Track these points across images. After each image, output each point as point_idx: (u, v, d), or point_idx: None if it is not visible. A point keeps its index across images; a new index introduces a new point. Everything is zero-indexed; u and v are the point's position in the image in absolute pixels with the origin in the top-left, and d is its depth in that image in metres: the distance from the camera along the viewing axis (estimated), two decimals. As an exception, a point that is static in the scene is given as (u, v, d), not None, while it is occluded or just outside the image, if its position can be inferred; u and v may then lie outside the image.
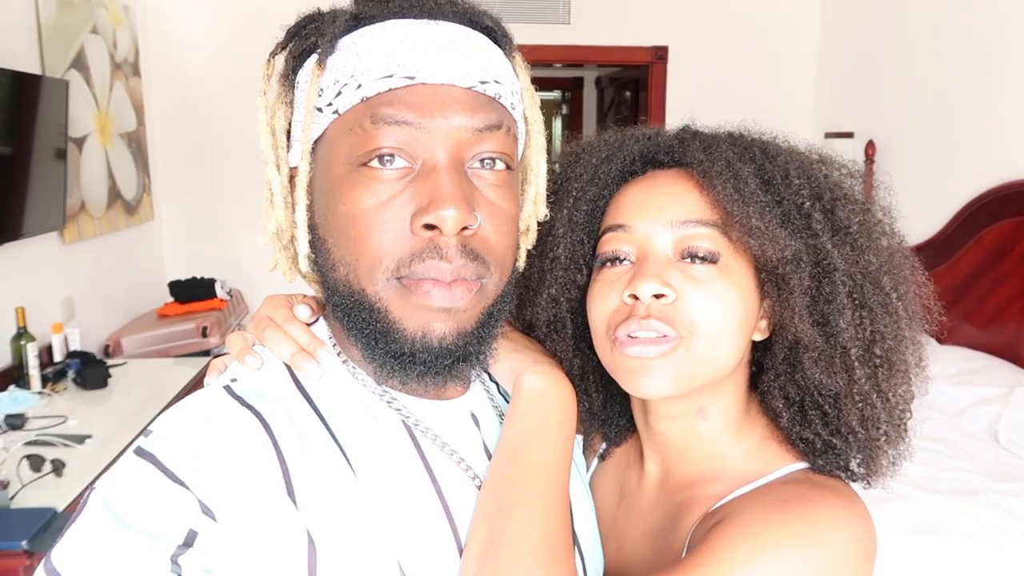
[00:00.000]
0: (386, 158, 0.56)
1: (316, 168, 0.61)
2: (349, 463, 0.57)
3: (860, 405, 0.64)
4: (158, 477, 0.50)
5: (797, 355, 0.66)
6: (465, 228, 0.56)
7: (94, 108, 2.98)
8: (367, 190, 0.56)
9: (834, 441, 0.66)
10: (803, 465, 0.68)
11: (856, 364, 0.63)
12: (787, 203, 0.65)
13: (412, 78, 0.56)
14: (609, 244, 0.69)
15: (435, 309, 0.56)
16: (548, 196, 0.72)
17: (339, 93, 0.58)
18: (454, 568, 0.58)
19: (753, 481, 0.67)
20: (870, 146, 3.26)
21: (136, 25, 3.41)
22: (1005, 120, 2.71)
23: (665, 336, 0.63)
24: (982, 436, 2.33)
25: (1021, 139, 2.65)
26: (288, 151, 0.64)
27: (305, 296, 0.69)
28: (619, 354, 0.65)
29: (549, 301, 0.74)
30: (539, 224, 0.72)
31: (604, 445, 0.83)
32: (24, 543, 1.50)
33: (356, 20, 0.59)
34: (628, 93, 4.74)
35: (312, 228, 0.62)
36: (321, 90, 0.59)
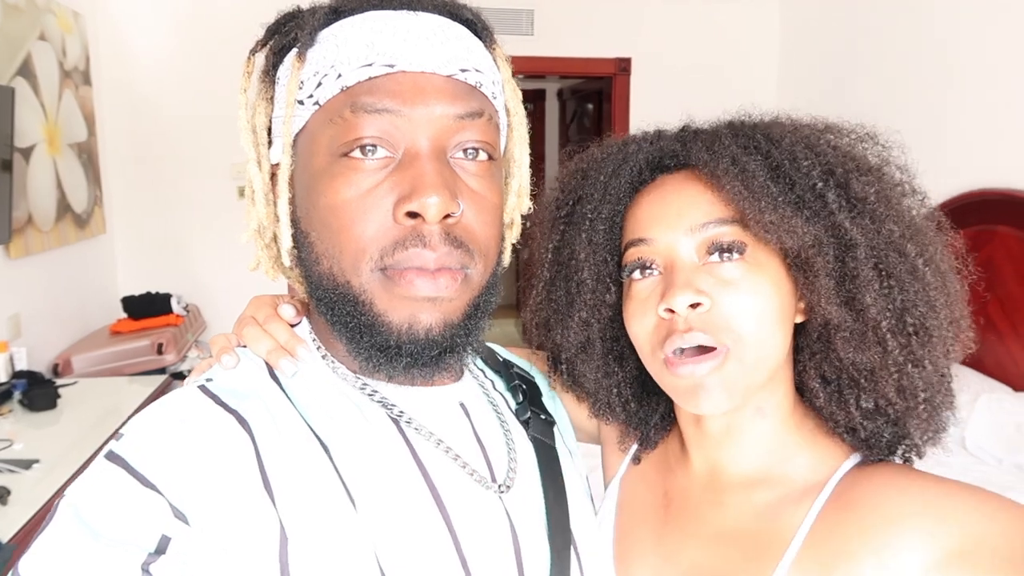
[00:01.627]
0: (368, 148, 0.56)
1: (298, 161, 0.60)
2: (331, 458, 0.56)
3: (896, 376, 0.63)
4: (128, 481, 0.49)
5: (829, 336, 0.65)
6: (448, 216, 0.56)
7: (42, 117, 2.86)
8: (348, 180, 0.56)
9: (866, 422, 0.65)
10: (856, 458, 0.67)
11: (888, 336, 0.62)
12: (799, 187, 0.63)
13: (392, 66, 0.56)
14: (632, 256, 0.68)
15: (420, 299, 0.56)
16: (561, 217, 0.73)
17: (319, 84, 0.57)
18: (450, 557, 0.57)
19: (827, 481, 0.65)
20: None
21: (87, 33, 3.30)
22: (966, 130, 2.77)
23: (712, 349, 0.62)
24: (949, 443, 2.34)
25: (982, 149, 2.71)
26: (269, 148, 0.63)
27: (291, 297, 0.68)
28: (671, 375, 0.64)
29: (581, 324, 0.73)
30: (558, 248, 0.73)
31: (635, 447, 0.80)
32: (-34, 578, 1.40)
33: (335, 13, 0.59)
34: (591, 105, 4.75)
35: (294, 222, 0.61)
36: (302, 83, 0.58)
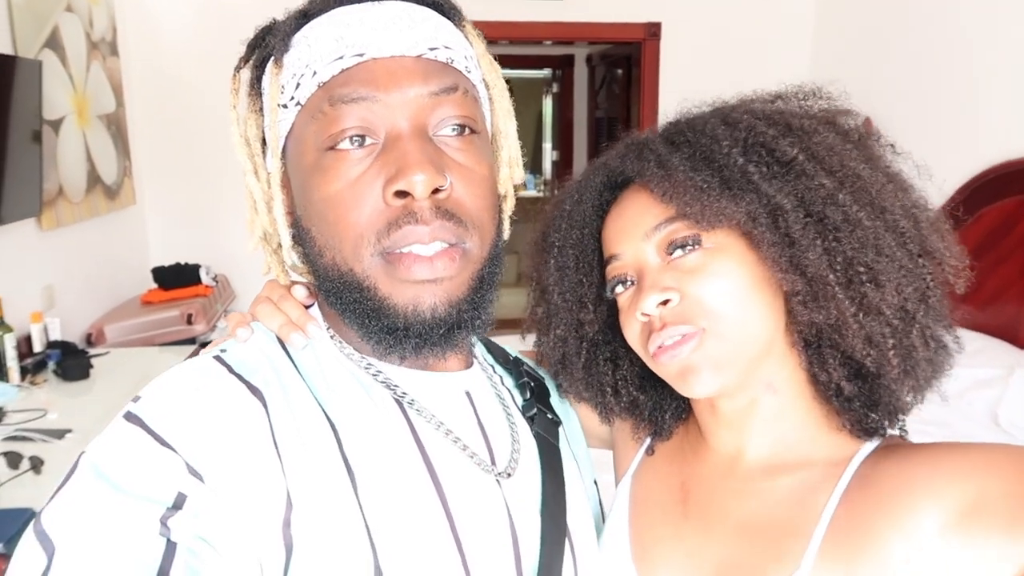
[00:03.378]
0: (354, 138, 0.57)
1: (290, 163, 0.63)
2: (335, 433, 0.58)
3: (856, 328, 0.63)
4: (146, 440, 0.51)
5: (789, 303, 0.66)
6: (437, 191, 0.57)
7: (70, 89, 2.88)
8: (337, 172, 0.58)
9: (847, 383, 0.66)
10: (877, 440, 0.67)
11: (838, 290, 0.63)
12: (726, 168, 0.65)
13: (362, 55, 0.58)
14: (610, 274, 0.72)
15: (421, 281, 0.57)
16: (539, 248, 0.78)
17: (298, 85, 0.60)
18: (444, 536, 0.58)
19: (849, 462, 0.66)
20: (867, 123, 3.20)
21: (113, 3, 3.30)
22: (1006, 98, 2.66)
23: (688, 334, 0.65)
24: (982, 419, 2.29)
25: (1022, 117, 2.60)
26: (265, 157, 0.65)
27: (306, 282, 0.71)
28: (660, 364, 0.67)
29: (557, 341, 0.78)
30: (535, 271, 0.78)
31: (649, 439, 0.80)
32: (0, 546, 1.45)
33: (305, 16, 0.61)
34: (620, 71, 4.66)
35: (296, 221, 0.64)
36: (282, 87, 0.61)
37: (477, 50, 0.67)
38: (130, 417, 0.54)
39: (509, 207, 0.72)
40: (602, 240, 0.73)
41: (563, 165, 6.07)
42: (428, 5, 0.63)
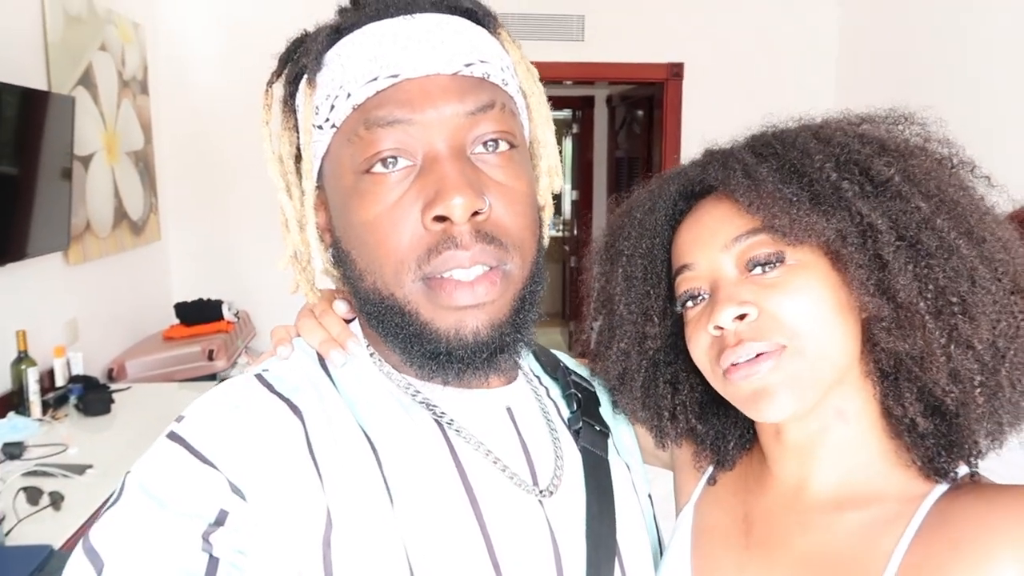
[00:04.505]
0: (388, 160, 0.56)
1: (328, 184, 0.62)
2: (375, 452, 0.58)
3: (943, 360, 0.60)
4: (189, 459, 0.52)
5: (871, 328, 0.63)
6: (476, 213, 0.56)
7: (101, 126, 2.92)
8: (375, 196, 0.57)
9: (922, 419, 0.62)
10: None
11: (928, 319, 0.60)
12: (817, 183, 0.63)
13: (396, 76, 0.56)
14: (682, 286, 0.69)
15: (463, 307, 0.56)
16: (604, 258, 0.76)
17: (333, 107, 0.58)
18: (481, 559, 0.57)
19: (923, 501, 0.62)
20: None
21: (146, 42, 3.36)
22: (1038, 136, 2.63)
23: (767, 353, 0.62)
24: (1010, 441, 2.22)
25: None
26: (299, 175, 0.64)
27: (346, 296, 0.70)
28: (732, 384, 0.64)
29: (619, 354, 0.75)
30: (600, 282, 0.76)
31: (711, 468, 0.77)
32: (20, 583, 1.41)
33: (337, 32, 0.60)
34: (641, 112, 4.68)
35: (335, 242, 0.63)
36: (316, 108, 0.60)
37: (514, 57, 0.65)
38: (173, 437, 0.54)
39: (548, 215, 0.71)
40: (673, 250, 0.71)
41: (583, 205, 6.08)
42: (461, 13, 0.61)
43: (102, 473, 1.92)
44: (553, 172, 0.69)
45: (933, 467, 0.63)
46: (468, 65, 0.58)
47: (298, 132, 0.63)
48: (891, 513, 0.62)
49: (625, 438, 0.80)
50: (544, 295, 0.63)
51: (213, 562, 0.49)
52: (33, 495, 1.74)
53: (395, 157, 0.56)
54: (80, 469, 1.92)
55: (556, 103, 6.19)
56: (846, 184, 0.62)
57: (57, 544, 1.56)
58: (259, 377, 0.60)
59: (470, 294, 0.56)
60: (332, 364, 0.63)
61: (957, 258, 0.60)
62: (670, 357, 0.75)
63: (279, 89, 0.64)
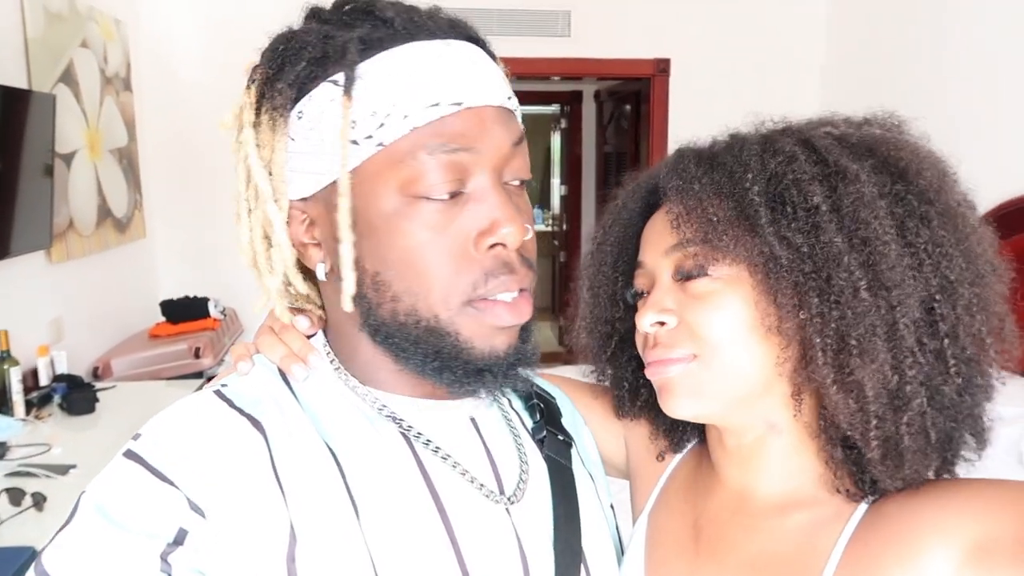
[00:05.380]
0: (446, 188, 0.57)
1: (357, 203, 0.58)
2: (339, 465, 0.58)
3: (836, 398, 0.60)
4: (146, 477, 0.52)
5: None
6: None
7: (83, 123, 2.90)
8: (426, 222, 0.56)
9: (833, 449, 0.64)
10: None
11: (819, 356, 0.60)
12: (741, 204, 0.62)
13: (459, 103, 0.57)
14: (635, 281, 0.72)
15: (505, 327, 0.59)
16: (591, 239, 0.79)
17: (382, 124, 0.56)
18: (450, 567, 0.58)
19: (861, 502, 0.63)
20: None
21: (128, 39, 3.34)
22: (1020, 130, 2.65)
23: (677, 359, 0.65)
24: (1004, 458, 2.24)
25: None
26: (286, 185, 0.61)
27: (307, 310, 0.69)
28: (650, 376, 0.68)
29: (589, 325, 0.79)
30: (584, 264, 0.79)
31: (667, 471, 0.79)
32: (3, 584, 1.41)
33: (365, 44, 0.57)
34: (628, 107, 4.69)
35: (357, 264, 0.59)
36: (353, 122, 0.56)
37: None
38: (130, 455, 0.54)
39: None
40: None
41: (572, 200, 6.08)
42: (475, 43, 0.61)
43: (86, 473, 1.91)
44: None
45: (858, 491, 0.63)
46: (509, 98, 0.61)
47: (290, 139, 0.59)
48: (830, 514, 0.64)
49: (588, 448, 0.81)
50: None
51: None
52: (15, 496, 1.73)
53: (453, 189, 0.57)
54: (63, 469, 1.91)
55: (544, 98, 6.21)
56: (763, 210, 0.61)
57: (39, 546, 1.55)
58: (218, 393, 0.60)
59: (516, 314, 0.59)
60: (294, 379, 0.62)
61: (857, 301, 0.58)
62: (628, 338, 0.77)
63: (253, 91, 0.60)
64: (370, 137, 0.56)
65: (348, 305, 0.59)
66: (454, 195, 0.57)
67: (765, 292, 0.62)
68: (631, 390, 0.79)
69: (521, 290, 0.60)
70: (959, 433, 0.62)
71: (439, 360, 0.59)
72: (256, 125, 0.60)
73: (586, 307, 0.79)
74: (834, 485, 0.65)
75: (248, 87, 0.61)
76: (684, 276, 0.66)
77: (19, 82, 2.45)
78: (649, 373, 0.67)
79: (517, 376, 0.63)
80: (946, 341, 0.60)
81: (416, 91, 0.56)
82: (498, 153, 0.58)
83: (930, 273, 0.60)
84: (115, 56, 3.20)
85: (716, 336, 0.63)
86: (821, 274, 0.59)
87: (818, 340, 0.59)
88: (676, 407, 0.65)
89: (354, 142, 0.57)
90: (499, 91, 0.60)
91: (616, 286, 0.76)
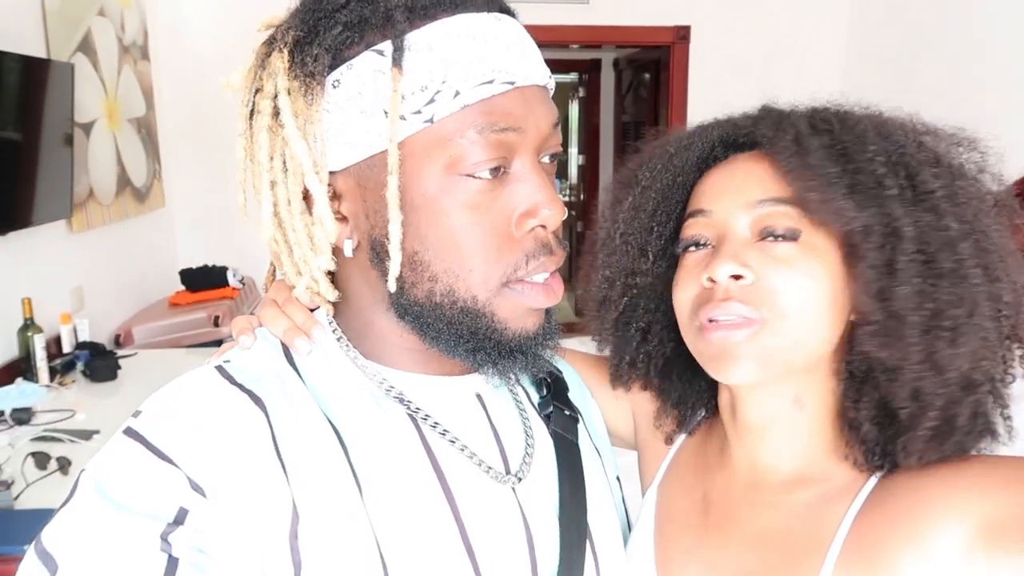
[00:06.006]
0: (494, 169, 0.56)
1: (402, 180, 0.56)
2: (342, 442, 0.57)
3: (913, 378, 0.61)
4: (146, 456, 0.51)
5: (858, 331, 0.63)
6: None
7: (102, 93, 2.91)
8: (468, 200, 0.56)
9: (870, 425, 0.63)
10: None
11: (913, 334, 0.60)
12: (861, 172, 0.62)
13: (512, 83, 0.56)
14: (690, 229, 0.68)
15: (539, 308, 0.59)
16: (623, 186, 0.76)
17: (432, 100, 0.54)
18: (455, 545, 0.57)
19: (868, 478, 0.64)
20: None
21: (145, 7, 3.33)
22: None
23: (748, 319, 0.61)
24: (1019, 434, 2.22)
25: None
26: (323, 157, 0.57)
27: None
28: (703, 340, 0.64)
29: (603, 281, 0.76)
30: (608, 214, 0.77)
31: (676, 444, 0.78)
32: (27, 547, 1.44)
33: (411, 12, 0.55)
34: (647, 75, 4.63)
35: (377, 238, 0.57)
36: (403, 96, 0.54)
37: None
38: (130, 432, 0.53)
39: None
40: (693, 193, 0.70)
41: (590, 169, 6.04)
42: (509, 14, 0.61)
43: (108, 438, 1.95)
44: None
45: (867, 464, 0.64)
46: (550, 77, 0.61)
47: (324, 109, 0.56)
48: (837, 491, 0.64)
49: (595, 421, 0.81)
50: None
51: (172, 562, 0.48)
52: (41, 460, 1.77)
53: (500, 167, 0.56)
54: (87, 434, 1.95)
55: (563, 66, 6.14)
56: (889, 182, 0.61)
57: (65, 508, 1.59)
58: (219, 369, 0.59)
59: (552, 296, 0.59)
60: (297, 353, 0.61)
61: (966, 286, 0.60)
62: (650, 305, 0.75)
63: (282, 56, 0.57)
64: (418, 112, 0.54)
65: (393, 285, 0.57)
66: (496, 174, 0.56)
67: (863, 265, 0.61)
68: (631, 362, 0.77)
69: (555, 274, 0.60)
70: (1003, 426, 0.63)
71: (473, 341, 0.58)
72: (289, 91, 0.56)
73: (609, 257, 0.75)
74: (849, 458, 0.65)
75: (280, 49, 0.57)
76: (769, 235, 0.63)
77: (38, 51, 2.46)
78: (708, 335, 0.63)
79: (545, 356, 0.63)
80: (1008, 339, 0.63)
81: (469, 67, 0.54)
82: (540, 134, 0.58)
83: (1016, 273, 0.63)
84: (132, 24, 3.19)
85: (796, 303, 0.61)
86: (935, 253, 0.60)
87: (914, 318, 0.60)
88: (737, 373, 0.62)
89: (401, 117, 0.54)
90: (544, 70, 0.59)
91: (650, 236, 0.73)
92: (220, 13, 3.53)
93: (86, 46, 2.77)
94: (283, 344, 0.62)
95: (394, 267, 0.56)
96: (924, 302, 0.60)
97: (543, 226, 0.58)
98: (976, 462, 0.59)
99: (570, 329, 0.82)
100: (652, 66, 4.45)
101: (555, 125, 0.59)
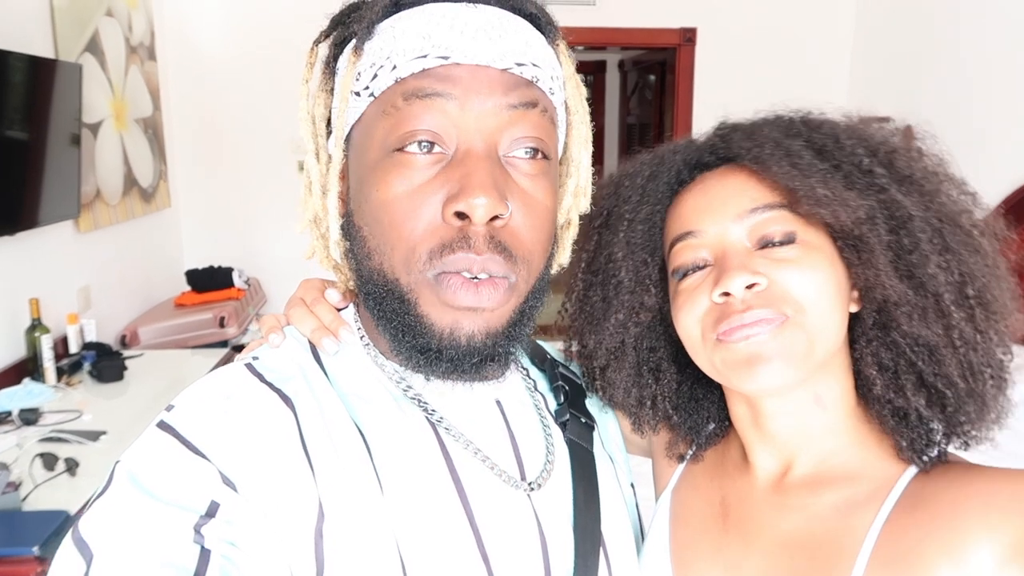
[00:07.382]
0: (423, 143, 0.55)
1: (352, 154, 0.61)
2: (366, 443, 0.58)
3: (962, 351, 0.61)
4: (180, 450, 0.52)
5: (889, 314, 0.63)
6: (496, 218, 0.55)
7: (109, 93, 2.91)
8: (400, 176, 0.56)
9: (923, 410, 0.63)
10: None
11: (952, 308, 0.61)
12: (846, 165, 0.63)
13: (447, 58, 0.55)
14: (682, 254, 0.67)
15: (463, 308, 0.56)
16: (596, 226, 0.73)
17: (375, 76, 0.57)
18: (470, 551, 0.57)
19: (897, 481, 0.63)
20: (907, 132, 3.12)
21: (152, 8, 3.34)
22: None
23: (770, 319, 0.61)
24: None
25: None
26: (328, 140, 0.64)
27: (335, 283, 0.70)
28: (726, 348, 0.63)
29: (617, 326, 0.72)
30: (595, 250, 0.73)
31: (691, 451, 0.77)
32: (35, 549, 1.44)
33: (396, 6, 0.58)
34: (653, 77, 4.62)
35: (347, 215, 0.62)
36: (358, 75, 0.58)
37: (566, 72, 0.64)
38: (163, 426, 0.54)
39: (572, 235, 0.69)
40: (671, 218, 0.70)
41: (594, 172, 6.04)
42: (526, 16, 0.60)
43: (116, 439, 1.95)
44: (581, 192, 0.68)
45: (914, 451, 0.64)
46: (520, 65, 0.57)
47: (333, 96, 0.63)
48: (865, 493, 0.63)
49: (610, 429, 0.80)
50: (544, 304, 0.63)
51: (205, 554, 0.49)
52: (49, 461, 1.77)
53: (430, 142, 0.55)
54: (94, 435, 1.95)
55: (567, 68, 6.13)
56: (879, 170, 0.63)
57: (72, 510, 1.59)
58: (249, 367, 0.60)
59: (474, 296, 0.55)
60: (324, 352, 0.62)
61: (980, 255, 0.62)
62: (653, 343, 0.75)
63: (324, 50, 0.63)
64: (367, 88, 0.57)
65: (334, 252, 0.61)
66: (433, 154, 0.55)
67: (875, 251, 0.62)
68: (652, 404, 0.75)
69: (489, 278, 0.55)
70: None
71: (400, 329, 0.57)
72: (308, 81, 0.64)
73: (614, 300, 0.72)
74: (883, 447, 0.65)
75: (313, 47, 0.64)
76: (768, 243, 0.63)
77: (46, 51, 2.47)
78: (732, 341, 0.62)
79: (488, 373, 0.61)
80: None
81: (409, 43, 0.56)
82: (487, 115, 0.55)
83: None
84: (139, 25, 3.20)
85: (812, 296, 0.62)
86: (941, 228, 0.62)
87: (947, 295, 0.61)
88: (768, 376, 0.61)
89: (356, 94, 0.58)
90: (507, 55, 0.57)
91: (647, 269, 0.71)
92: (227, 14, 3.53)
93: (94, 46, 2.78)
94: (311, 343, 0.63)
95: (332, 233, 0.61)
96: (948, 276, 0.61)
97: (468, 218, 0.54)
98: (1014, 477, 0.58)
99: (545, 331, 0.79)
100: (658, 68, 4.45)
101: (514, 106, 0.56)
